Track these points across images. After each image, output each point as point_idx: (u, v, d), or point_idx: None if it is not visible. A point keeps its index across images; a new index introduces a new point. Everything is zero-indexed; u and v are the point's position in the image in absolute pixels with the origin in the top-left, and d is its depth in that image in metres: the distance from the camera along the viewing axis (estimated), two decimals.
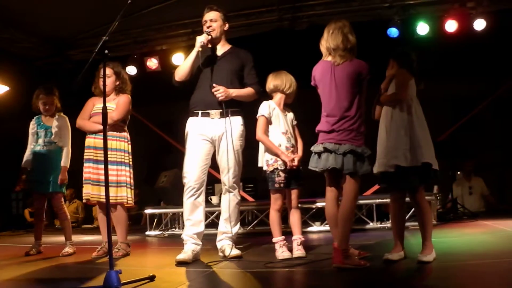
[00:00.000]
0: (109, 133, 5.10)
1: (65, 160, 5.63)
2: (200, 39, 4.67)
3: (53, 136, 5.63)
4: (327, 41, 4.07)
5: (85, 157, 5.24)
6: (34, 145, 5.69)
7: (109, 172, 4.97)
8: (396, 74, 4.21)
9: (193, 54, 4.70)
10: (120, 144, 5.23)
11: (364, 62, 4.02)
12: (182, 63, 4.89)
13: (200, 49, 4.65)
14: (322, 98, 4.09)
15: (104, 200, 4.99)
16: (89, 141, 5.22)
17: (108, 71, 5.27)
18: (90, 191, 5.13)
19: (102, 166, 4.93)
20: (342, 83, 3.97)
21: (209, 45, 4.82)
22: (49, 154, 5.63)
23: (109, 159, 5.01)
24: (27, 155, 5.72)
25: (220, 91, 4.55)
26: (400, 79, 4.15)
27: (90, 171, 5.16)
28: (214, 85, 4.56)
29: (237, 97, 4.70)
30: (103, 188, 5.01)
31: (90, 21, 8.25)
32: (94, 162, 5.14)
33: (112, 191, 5.09)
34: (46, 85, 5.85)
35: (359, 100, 3.96)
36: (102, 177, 4.97)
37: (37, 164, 5.63)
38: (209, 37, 4.72)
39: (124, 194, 5.19)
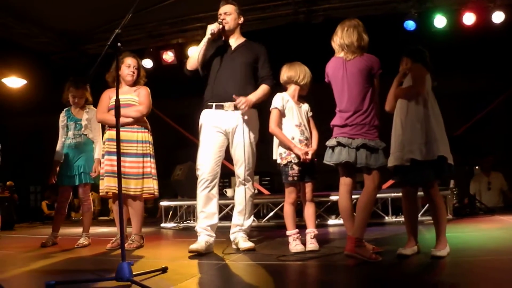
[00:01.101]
0: (134, 125, 5.16)
1: (99, 151, 5.60)
2: (211, 27, 4.68)
3: (82, 129, 5.66)
4: (341, 37, 4.09)
5: (106, 149, 5.22)
6: (65, 137, 5.73)
7: (136, 164, 5.08)
8: (412, 68, 4.16)
9: (203, 42, 4.70)
10: (144, 135, 5.24)
11: (375, 57, 4.04)
12: (193, 52, 4.89)
13: (210, 36, 4.66)
14: (335, 93, 4.13)
15: (129, 192, 5.10)
16: (112, 133, 5.15)
17: (135, 62, 5.30)
18: (111, 184, 5.08)
19: (129, 159, 5.03)
20: (354, 78, 4.00)
21: (222, 37, 4.82)
22: (79, 146, 5.67)
23: (135, 151, 5.09)
24: (59, 148, 5.76)
25: (242, 102, 4.54)
26: (417, 73, 4.10)
27: (111, 163, 5.07)
28: (234, 96, 4.55)
29: (257, 100, 4.70)
30: (132, 181, 5.09)
31: (106, 15, 8.28)
32: (121, 155, 5.08)
33: (139, 183, 5.13)
34: (76, 78, 5.86)
35: (371, 94, 3.98)
36: (130, 170, 5.06)
37: (67, 157, 5.67)
38: (221, 26, 4.72)
39: (151, 185, 5.21)
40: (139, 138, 5.19)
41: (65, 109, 5.82)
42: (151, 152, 5.28)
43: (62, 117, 5.79)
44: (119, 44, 3.38)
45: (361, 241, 3.82)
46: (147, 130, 5.30)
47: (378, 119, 4.01)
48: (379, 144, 3.95)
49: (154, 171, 5.27)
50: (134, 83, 5.36)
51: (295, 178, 4.52)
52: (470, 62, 8.95)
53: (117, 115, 3.44)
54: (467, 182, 8.34)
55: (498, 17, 7.64)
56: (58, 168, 5.72)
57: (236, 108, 4.64)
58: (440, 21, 7.93)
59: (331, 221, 7.17)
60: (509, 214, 7.00)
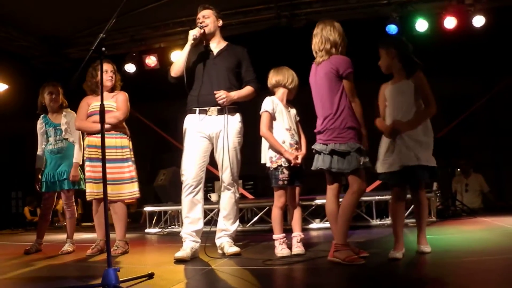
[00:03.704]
0: (111, 131, 5.13)
1: (77, 156, 5.57)
2: (193, 33, 4.68)
3: (63, 133, 5.60)
4: (313, 43, 4.13)
5: (87, 155, 5.24)
6: (45, 144, 5.67)
7: (115, 170, 5.09)
8: (418, 82, 3.99)
9: (186, 48, 4.70)
10: (123, 141, 5.24)
11: (343, 57, 3.98)
12: (177, 58, 4.88)
13: (193, 41, 4.66)
14: (314, 100, 4.15)
15: (114, 198, 5.11)
16: (92, 140, 5.19)
17: (111, 67, 5.29)
18: (94, 190, 5.14)
19: (111, 165, 5.02)
20: (322, 83, 4.02)
21: (203, 42, 4.83)
22: (61, 151, 5.61)
23: (114, 157, 5.08)
24: (39, 155, 5.71)
25: (222, 97, 4.54)
26: (426, 86, 3.99)
27: (95, 170, 5.12)
28: (215, 91, 4.55)
29: (239, 99, 4.70)
30: (115, 186, 5.09)
31: (88, 19, 8.24)
32: (98, 161, 5.08)
33: (119, 188, 5.14)
34: (51, 81, 5.83)
35: (340, 97, 3.93)
36: (112, 176, 5.04)
37: (50, 164, 5.61)
38: (202, 30, 4.72)
39: (134, 190, 5.22)
40: (118, 144, 5.18)
41: (41, 116, 5.75)
42: (131, 157, 5.28)
43: (40, 124, 5.72)
44: (103, 48, 3.35)
45: (341, 245, 3.86)
46: (125, 136, 5.29)
47: (354, 120, 3.93)
48: (352, 147, 3.87)
49: (134, 174, 5.26)
50: (112, 89, 5.35)
51: (285, 182, 4.49)
52: (452, 66, 9.05)
53: (102, 119, 3.42)
54: (449, 184, 8.43)
55: (478, 21, 7.73)
56: (40, 176, 5.66)
57: (219, 112, 4.64)
58: (421, 25, 7.99)
59: (316, 224, 7.18)
60: (491, 215, 7.09)
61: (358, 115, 3.97)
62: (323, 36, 4.02)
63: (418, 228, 4.12)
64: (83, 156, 5.36)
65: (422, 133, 3.97)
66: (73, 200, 5.75)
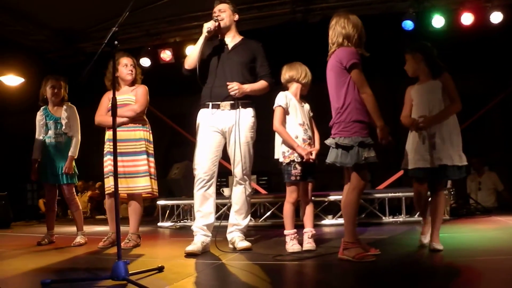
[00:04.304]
0: (130, 124, 5.18)
1: (74, 150, 5.63)
2: (207, 25, 4.67)
3: (63, 127, 5.63)
4: (329, 37, 4.11)
5: (107, 149, 5.28)
6: (43, 136, 5.69)
7: (134, 163, 5.13)
8: (446, 80, 4.25)
9: (200, 40, 4.69)
10: (141, 133, 5.26)
11: (347, 48, 3.91)
12: (191, 51, 4.88)
13: (207, 34, 4.65)
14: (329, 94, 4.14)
15: (134, 192, 5.17)
16: (111, 134, 5.18)
17: (131, 61, 5.31)
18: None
19: (127, 158, 5.09)
20: (329, 76, 4.00)
21: (219, 36, 4.82)
22: (60, 145, 5.65)
23: (133, 149, 5.15)
24: (37, 146, 5.72)
25: (234, 88, 4.53)
26: (453, 86, 4.25)
27: (113, 164, 5.12)
28: (228, 83, 4.55)
29: (252, 92, 4.68)
30: (130, 180, 5.13)
31: (103, 13, 8.26)
32: (119, 155, 5.10)
33: (137, 181, 5.16)
34: (54, 74, 5.87)
35: (347, 89, 3.87)
36: (128, 169, 5.10)
37: (49, 156, 5.64)
38: (217, 23, 4.71)
39: (148, 184, 5.22)
40: (136, 137, 5.21)
41: (42, 108, 5.78)
42: (149, 150, 5.29)
43: (40, 116, 5.74)
44: (116, 42, 3.35)
45: (350, 243, 3.84)
46: (145, 128, 5.30)
47: (361, 113, 3.86)
48: (355, 141, 3.81)
49: (153, 170, 5.28)
50: (133, 82, 5.36)
51: (298, 177, 4.47)
52: (468, 63, 8.94)
53: (114, 113, 3.43)
54: (463, 182, 8.36)
55: (496, 17, 7.63)
56: (36, 166, 5.69)
57: (232, 107, 4.63)
58: (438, 21, 7.91)
59: (328, 221, 7.15)
60: (506, 214, 7.01)
61: (370, 107, 3.84)
62: (336, 29, 3.98)
63: (432, 225, 4.17)
64: (103, 150, 5.37)
65: (455, 131, 4.20)
66: (75, 193, 5.79)
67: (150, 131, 5.37)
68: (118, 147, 4.98)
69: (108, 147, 5.27)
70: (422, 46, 4.42)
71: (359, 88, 3.86)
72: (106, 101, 5.35)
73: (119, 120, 4.95)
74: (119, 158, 5.00)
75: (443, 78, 4.25)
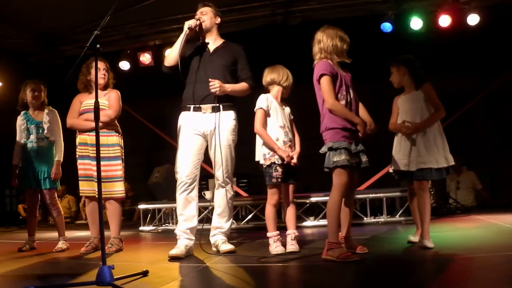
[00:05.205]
0: (103, 129, 5.10)
1: (59, 154, 5.60)
2: (189, 23, 4.69)
3: (45, 132, 5.58)
4: None
5: (78, 153, 5.25)
6: (25, 141, 5.62)
7: (106, 168, 5.08)
8: (427, 91, 4.53)
9: (181, 37, 4.68)
10: (113, 139, 5.23)
11: (320, 62, 4.08)
12: (171, 48, 4.86)
13: (188, 31, 4.66)
14: None
15: (112, 196, 5.17)
16: (83, 138, 5.20)
17: (104, 65, 5.28)
18: (86, 188, 5.19)
19: (102, 163, 4.98)
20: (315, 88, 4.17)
21: (200, 39, 4.83)
22: (42, 150, 5.59)
23: (107, 155, 5.12)
24: (17, 151, 5.66)
25: (216, 86, 4.53)
26: (434, 95, 4.53)
27: (86, 167, 5.17)
28: (210, 80, 4.55)
29: (232, 92, 4.68)
30: (108, 184, 5.11)
31: (83, 16, 8.19)
32: (91, 159, 5.11)
33: (109, 186, 5.13)
34: (33, 78, 5.81)
35: (323, 100, 4.05)
36: (105, 173, 5.06)
37: (30, 161, 5.57)
38: (198, 22, 4.73)
39: (121, 189, 5.24)
40: (109, 142, 5.19)
41: (22, 112, 5.70)
42: (122, 156, 5.29)
43: (21, 120, 5.67)
44: (98, 45, 3.34)
45: (334, 243, 3.90)
46: (117, 134, 5.29)
47: (334, 120, 4.00)
48: (327, 146, 4.01)
49: (121, 173, 5.27)
50: (105, 86, 5.33)
51: (279, 179, 4.51)
52: (447, 63, 9.05)
53: (97, 117, 3.41)
54: (443, 181, 8.44)
55: (473, 19, 7.72)
56: (17, 171, 5.64)
57: (214, 110, 4.63)
58: (416, 23, 7.98)
59: (310, 222, 7.18)
60: (485, 213, 7.11)
61: (339, 114, 3.99)
62: (315, 45, 4.19)
63: (421, 223, 4.35)
64: (75, 154, 5.33)
65: (439, 134, 4.44)
66: (57, 198, 5.74)
67: (122, 136, 5.35)
68: (92, 152, 5.04)
69: (79, 151, 5.25)
70: (406, 59, 4.69)
71: (323, 98, 4.03)
72: (77, 103, 5.32)
73: (91, 124, 4.98)
74: (93, 163, 5.04)
75: (424, 88, 4.55)
